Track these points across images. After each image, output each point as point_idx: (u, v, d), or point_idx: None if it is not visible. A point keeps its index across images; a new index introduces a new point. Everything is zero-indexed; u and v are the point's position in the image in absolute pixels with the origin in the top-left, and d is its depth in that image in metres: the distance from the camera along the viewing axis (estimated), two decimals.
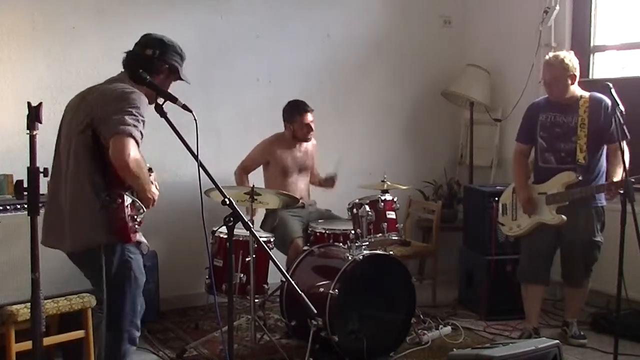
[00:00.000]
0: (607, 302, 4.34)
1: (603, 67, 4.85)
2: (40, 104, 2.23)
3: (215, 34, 4.66)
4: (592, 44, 4.86)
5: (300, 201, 4.35)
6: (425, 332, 3.93)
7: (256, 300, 3.81)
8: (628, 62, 4.76)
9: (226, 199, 2.28)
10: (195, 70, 4.27)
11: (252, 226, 2.47)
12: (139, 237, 2.62)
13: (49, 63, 4.06)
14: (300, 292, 2.37)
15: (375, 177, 4.39)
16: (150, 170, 2.76)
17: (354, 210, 3.83)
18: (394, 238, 3.87)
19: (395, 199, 3.91)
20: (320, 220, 4.36)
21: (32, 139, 2.21)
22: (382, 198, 3.84)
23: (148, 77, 2.57)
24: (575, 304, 4.00)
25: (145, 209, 2.61)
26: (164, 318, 4.35)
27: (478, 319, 4.38)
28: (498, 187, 4.35)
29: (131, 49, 2.75)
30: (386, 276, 3.68)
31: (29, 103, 2.23)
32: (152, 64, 2.67)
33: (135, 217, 2.55)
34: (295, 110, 4.38)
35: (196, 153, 2.33)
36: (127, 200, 2.50)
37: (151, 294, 4.16)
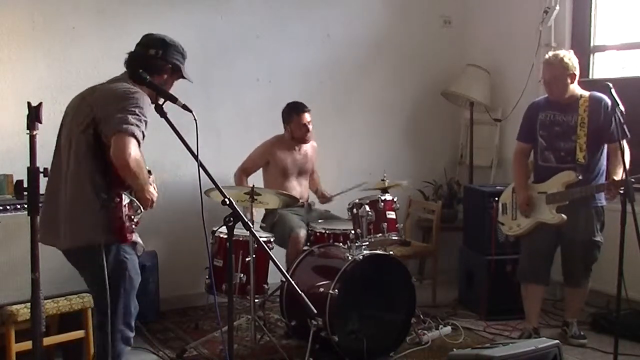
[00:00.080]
0: (607, 302, 4.33)
1: (603, 67, 4.85)
2: (40, 104, 2.24)
3: (215, 34, 4.66)
4: (592, 44, 4.86)
5: (300, 200, 4.35)
6: (425, 332, 3.93)
7: (256, 300, 3.81)
8: (628, 62, 4.76)
9: (226, 199, 2.28)
10: (195, 70, 4.24)
11: (252, 226, 2.48)
12: (135, 237, 2.62)
13: (49, 63, 4.06)
14: (300, 292, 2.37)
15: (375, 177, 4.38)
16: (149, 172, 2.77)
17: (354, 210, 3.83)
18: (394, 238, 3.87)
19: (395, 199, 3.91)
20: (320, 220, 4.37)
21: (32, 139, 2.21)
22: (382, 198, 3.84)
23: (148, 77, 2.57)
24: (575, 304, 4.00)
25: (142, 210, 2.60)
26: (164, 318, 4.35)
27: (478, 319, 4.38)
28: (498, 187, 4.35)
29: (132, 49, 2.75)
30: (386, 276, 3.68)
31: (29, 103, 2.24)
32: (155, 64, 2.68)
33: (133, 217, 2.55)
34: (292, 111, 4.39)
35: (196, 153, 2.33)
36: (125, 199, 2.50)
37: (151, 294, 4.17)
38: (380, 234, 3.79)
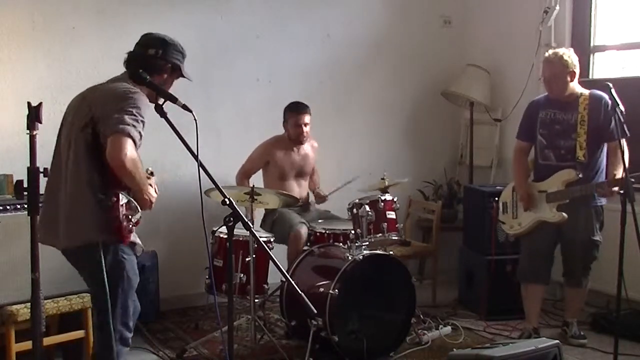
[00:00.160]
0: (607, 302, 4.33)
1: (603, 67, 4.85)
2: (40, 104, 2.24)
3: (215, 34, 4.66)
4: (592, 44, 4.86)
5: (300, 201, 4.35)
6: (425, 332, 3.93)
7: (256, 300, 3.81)
8: (628, 62, 4.76)
9: (226, 199, 2.28)
10: (195, 70, 4.24)
11: (252, 226, 2.47)
12: (134, 238, 2.62)
13: (49, 63, 4.06)
14: (300, 292, 2.37)
15: (375, 177, 4.38)
16: (151, 174, 2.77)
17: (354, 210, 3.83)
18: (394, 238, 3.87)
19: (395, 199, 3.91)
20: (320, 220, 4.37)
21: (32, 139, 2.22)
22: (382, 198, 3.84)
23: (148, 77, 2.57)
24: (575, 304, 4.00)
25: (140, 210, 2.60)
26: (164, 318, 4.35)
27: (478, 319, 4.38)
28: (498, 187, 4.35)
29: (132, 49, 2.75)
30: (386, 276, 3.68)
31: (29, 103, 2.24)
32: (155, 64, 2.68)
33: (131, 217, 2.54)
34: (289, 110, 4.40)
35: (196, 153, 2.33)
36: (123, 200, 2.50)
37: (151, 294, 4.17)
38: (380, 234, 3.79)
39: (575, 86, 3.79)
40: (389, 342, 3.70)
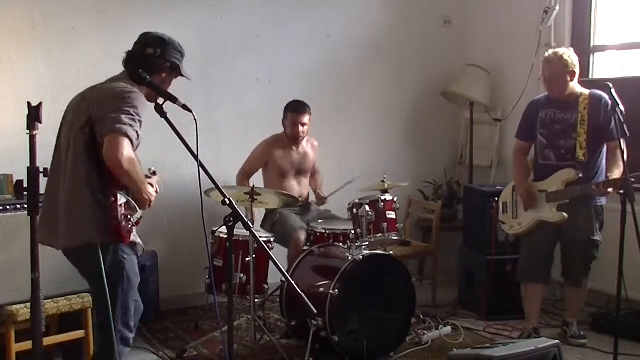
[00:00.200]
0: (607, 302, 4.33)
1: (603, 67, 4.85)
2: (40, 104, 2.24)
3: (215, 34, 4.66)
4: (592, 44, 4.85)
5: (300, 201, 4.35)
6: (425, 332, 3.93)
7: (256, 300, 3.81)
8: (628, 62, 4.76)
9: (226, 199, 2.28)
10: (195, 70, 4.24)
11: (252, 226, 2.47)
12: (134, 238, 2.61)
13: (49, 63, 4.06)
14: (300, 292, 2.37)
15: (375, 177, 4.38)
16: (153, 173, 2.77)
17: (354, 210, 3.83)
18: (394, 238, 3.87)
19: (395, 199, 3.91)
20: (320, 220, 4.37)
21: (32, 139, 2.21)
22: (382, 198, 3.84)
23: (148, 77, 2.57)
24: (575, 304, 4.00)
25: (139, 209, 2.60)
26: (164, 318, 4.35)
27: (478, 319, 4.38)
28: (498, 187, 4.35)
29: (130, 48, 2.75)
30: (386, 276, 3.68)
31: (29, 103, 2.24)
32: (154, 63, 2.67)
33: (130, 217, 2.54)
34: (288, 108, 4.40)
35: (196, 153, 2.33)
36: (121, 199, 2.49)
37: (151, 294, 4.17)
38: (380, 234, 3.79)
39: (575, 86, 3.79)
40: (389, 342, 3.70)
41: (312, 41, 5.06)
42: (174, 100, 2.47)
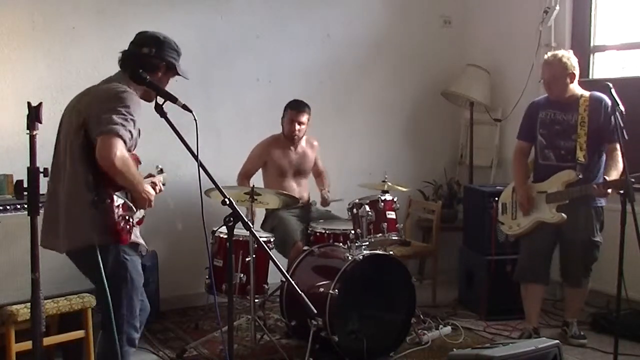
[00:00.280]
0: (607, 302, 4.34)
1: (603, 67, 4.85)
2: (40, 104, 2.23)
3: (215, 34, 4.66)
4: (592, 44, 4.86)
5: (300, 201, 4.35)
6: (425, 332, 3.94)
7: (256, 300, 3.81)
8: (628, 62, 4.76)
9: (226, 199, 2.28)
10: (195, 70, 4.27)
11: (252, 226, 2.47)
12: (135, 238, 2.61)
13: (49, 63, 4.06)
14: (300, 292, 2.37)
15: (375, 177, 4.38)
16: (161, 171, 2.76)
17: (354, 210, 3.83)
18: (394, 238, 3.87)
19: (395, 199, 3.91)
20: (320, 220, 4.36)
21: (32, 139, 2.21)
22: (382, 198, 3.84)
23: (148, 77, 2.57)
24: (575, 304, 4.00)
25: (136, 210, 2.59)
26: (164, 318, 4.35)
27: (478, 319, 4.38)
28: (498, 187, 4.35)
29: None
30: (386, 276, 3.68)
31: (29, 103, 2.23)
32: (149, 62, 2.66)
33: (128, 217, 2.53)
34: (289, 106, 4.40)
35: (196, 153, 2.33)
36: (118, 200, 2.49)
37: (151, 294, 4.15)
38: (380, 234, 3.79)
39: (575, 87, 3.79)
40: (389, 342, 3.70)
41: (312, 41, 5.06)
42: (174, 100, 2.47)
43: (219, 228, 3.81)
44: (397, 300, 3.71)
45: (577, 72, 3.76)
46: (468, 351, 3.04)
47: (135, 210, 2.57)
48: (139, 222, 2.68)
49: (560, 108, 3.81)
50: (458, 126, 5.78)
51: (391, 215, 3.85)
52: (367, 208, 3.78)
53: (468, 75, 5.34)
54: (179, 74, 2.76)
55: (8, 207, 3.25)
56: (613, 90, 3.34)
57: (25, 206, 2.44)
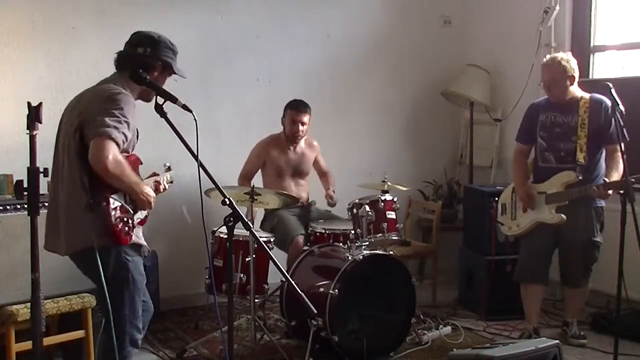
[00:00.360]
0: (607, 302, 4.34)
1: (603, 67, 4.85)
2: (40, 104, 2.23)
3: (215, 34, 4.66)
4: (592, 44, 4.86)
5: (300, 201, 4.35)
6: (425, 332, 3.93)
7: (256, 300, 3.81)
8: (628, 62, 4.76)
9: (226, 199, 2.28)
10: (195, 70, 4.29)
11: (252, 226, 2.47)
12: (137, 239, 2.60)
13: (49, 63, 4.06)
14: (300, 292, 2.37)
15: (375, 177, 4.38)
16: (169, 169, 2.76)
17: (354, 210, 3.83)
18: (394, 238, 3.87)
19: (395, 199, 3.91)
20: (320, 220, 4.36)
21: (32, 139, 2.21)
22: (382, 198, 3.84)
23: (148, 77, 2.56)
24: (575, 304, 4.00)
25: (136, 211, 2.59)
26: (164, 318, 4.34)
27: (478, 319, 4.38)
28: (498, 187, 4.35)
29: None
30: (386, 276, 3.68)
31: (29, 103, 2.23)
32: (145, 62, 2.64)
33: (127, 219, 2.53)
34: (290, 106, 4.39)
35: (196, 153, 2.33)
36: (115, 203, 2.48)
37: (151, 294, 4.12)
38: (380, 234, 3.79)
39: (575, 89, 3.79)
40: (389, 342, 3.70)
41: (312, 41, 5.06)
42: (174, 100, 2.46)
43: (219, 228, 3.80)
44: (397, 300, 3.71)
45: (576, 74, 3.76)
46: (468, 351, 3.04)
47: (132, 211, 2.56)
48: (141, 223, 2.68)
49: (561, 110, 3.81)
50: (458, 126, 5.78)
51: (391, 215, 3.85)
52: (367, 208, 3.78)
53: (468, 75, 5.34)
54: (175, 73, 2.75)
55: (8, 207, 3.25)
56: (613, 91, 3.34)
57: (25, 206, 2.44)
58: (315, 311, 2.41)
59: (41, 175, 2.21)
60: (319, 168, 4.67)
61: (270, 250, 3.62)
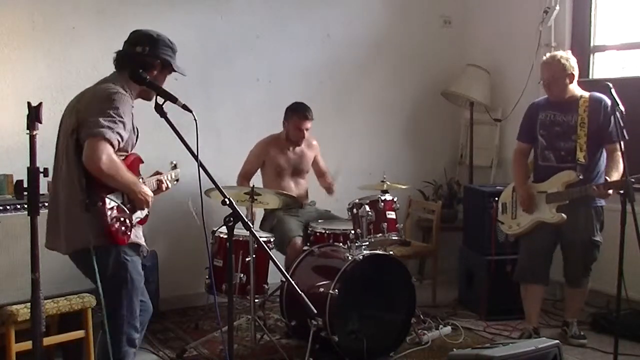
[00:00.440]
0: (607, 302, 4.34)
1: (603, 67, 4.85)
2: (40, 104, 2.23)
3: (215, 34, 4.66)
4: (592, 44, 4.86)
5: (303, 203, 4.35)
6: (425, 332, 3.93)
7: (256, 300, 3.81)
8: (628, 62, 4.76)
9: (226, 199, 2.28)
10: (195, 70, 4.29)
11: (252, 226, 2.47)
12: (136, 239, 2.61)
13: (49, 63, 4.06)
14: (300, 292, 2.37)
15: (375, 177, 4.38)
16: (174, 167, 2.75)
17: (354, 210, 3.83)
18: (394, 238, 3.87)
19: (395, 199, 3.91)
20: (320, 220, 4.36)
21: (32, 139, 2.21)
22: (382, 198, 3.84)
23: (148, 77, 2.56)
24: (575, 304, 4.00)
25: (134, 210, 2.58)
26: (164, 318, 4.35)
27: (478, 319, 4.38)
28: (498, 187, 4.35)
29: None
30: (386, 276, 3.68)
31: (29, 103, 2.23)
32: (144, 61, 2.64)
33: (124, 219, 2.53)
34: (294, 111, 4.38)
35: (196, 153, 2.33)
36: (111, 203, 2.48)
37: (151, 294, 4.13)
38: (380, 234, 3.79)
39: (574, 88, 3.79)
40: (389, 342, 3.70)
41: (312, 41, 5.06)
42: (174, 100, 2.46)
43: (219, 228, 3.81)
44: (397, 300, 3.71)
45: (576, 72, 3.76)
46: (468, 351, 3.04)
47: (128, 211, 2.56)
48: (141, 222, 2.68)
49: (560, 109, 3.81)
50: (458, 126, 5.78)
51: (391, 215, 3.85)
52: (367, 208, 3.78)
53: (468, 75, 5.34)
54: (175, 71, 2.74)
55: (8, 207, 3.25)
56: (613, 90, 3.34)
57: (25, 206, 2.44)
58: (315, 311, 2.41)
59: (41, 175, 2.21)
60: (317, 168, 4.67)
61: (270, 250, 3.62)
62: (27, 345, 2.95)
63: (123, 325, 2.58)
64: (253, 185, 3.77)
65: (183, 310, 4.53)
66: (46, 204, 2.66)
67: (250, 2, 4.78)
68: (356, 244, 3.74)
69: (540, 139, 3.87)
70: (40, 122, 2.23)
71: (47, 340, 3.24)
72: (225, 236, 3.71)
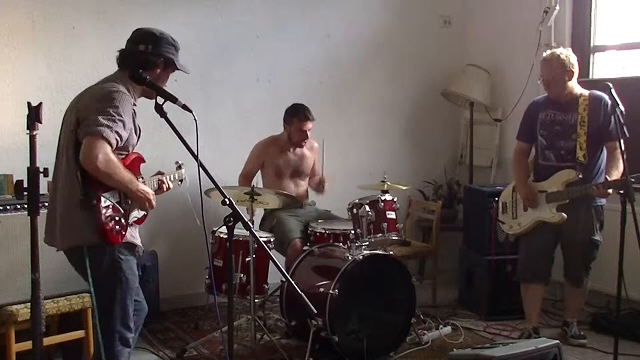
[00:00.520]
0: (607, 302, 4.34)
1: (603, 67, 4.85)
2: (40, 104, 2.23)
3: (215, 34, 4.66)
4: (592, 44, 4.86)
5: (303, 203, 4.35)
6: (425, 332, 3.94)
7: (256, 300, 3.81)
8: (628, 62, 4.76)
9: (226, 199, 2.28)
10: (195, 70, 4.26)
11: (252, 226, 2.47)
12: (132, 238, 2.60)
13: (49, 63, 4.06)
14: (300, 292, 2.37)
15: (375, 177, 4.38)
16: (179, 167, 2.75)
17: (354, 210, 3.83)
18: (394, 238, 3.87)
19: (395, 199, 3.91)
20: (320, 220, 4.36)
21: (32, 139, 2.21)
22: (382, 198, 3.84)
23: (148, 77, 2.56)
24: (575, 304, 4.00)
25: (128, 210, 2.58)
26: (164, 318, 4.35)
27: (478, 319, 4.38)
28: (498, 187, 4.35)
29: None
30: (386, 276, 3.68)
31: (29, 103, 2.24)
32: (147, 59, 2.63)
33: (119, 218, 2.53)
34: (295, 114, 4.37)
35: (196, 153, 2.33)
36: (106, 201, 2.48)
37: (151, 294, 4.16)
38: (380, 234, 3.79)
39: (574, 86, 3.79)
40: (389, 342, 3.70)
41: (312, 41, 5.06)
42: (174, 100, 2.46)
43: (219, 228, 3.81)
44: (397, 300, 3.71)
45: (575, 69, 3.76)
46: (468, 351, 3.04)
47: (123, 210, 2.55)
48: (138, 222, 2.67)
49: (560, 108, 3.81)
50: (458, 126, 5.78)
51: (391, 215, 3.85)
52: (367, 208, 3.77)
53: (468, 75, 5.34)
54: (178, 69, 2.73)
55: (8, 207, 3.25)
56: (613, 90, 3.34)
57: (25, 206, 2.44)
58: (315, 311, 2.41)
59: (41, 175, 2.22)
60: (312, 171, 4.65)
61: (270, 250, 3.62)
62: (27, 345, 2.96)
63: (116, 324, 2.58)
64: (253, 186, 3.77)
65: (183, 310, 4.53)
66: (46, 204, 2.66)
67: (250, 2, 4.78)
68: (356, 244, 3.74)
69: (540, 139, 3.87)
70: (40, 122, 2.23)
71: (47, 340, 3.25)
72: (225, 236, 3.71)
